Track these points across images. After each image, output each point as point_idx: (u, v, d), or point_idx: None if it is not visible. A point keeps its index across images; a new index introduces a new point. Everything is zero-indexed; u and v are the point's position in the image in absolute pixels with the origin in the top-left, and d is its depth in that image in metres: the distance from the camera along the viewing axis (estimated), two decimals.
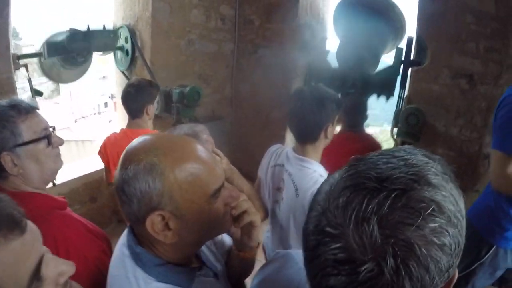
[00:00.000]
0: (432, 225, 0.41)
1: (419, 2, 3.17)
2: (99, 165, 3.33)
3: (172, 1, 3.32)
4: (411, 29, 3.33)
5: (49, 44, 2.91)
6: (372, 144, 2.48)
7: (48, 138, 1.09)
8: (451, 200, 0.45)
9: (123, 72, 3.54)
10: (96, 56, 3.39)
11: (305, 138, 1.55)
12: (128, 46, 3.34)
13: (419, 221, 0.41)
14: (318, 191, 0.52)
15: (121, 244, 0.86)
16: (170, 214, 0.73)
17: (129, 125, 2.24)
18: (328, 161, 1.65)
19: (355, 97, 2.49)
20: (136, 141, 0.77)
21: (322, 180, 0.75)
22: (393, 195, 0.42)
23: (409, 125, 2.70)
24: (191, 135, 1.30)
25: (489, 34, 2.94)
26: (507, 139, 1.50)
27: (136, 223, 0.76)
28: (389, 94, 3.29)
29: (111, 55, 3.58)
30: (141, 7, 3.26)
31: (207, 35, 3.79)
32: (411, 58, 3.18)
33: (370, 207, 0.42)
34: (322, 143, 1.56)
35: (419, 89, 3.23)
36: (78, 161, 4.14)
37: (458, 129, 3.23)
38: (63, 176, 2.99)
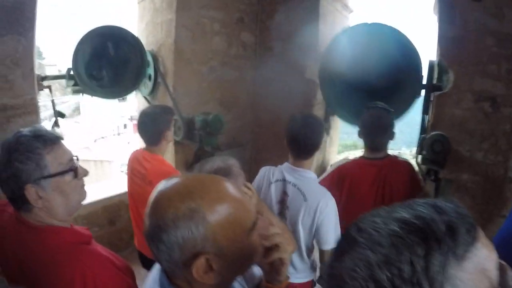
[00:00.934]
0: None
1: (439, 26, 3.17)
2: (118, 188, 3.38)
3: (194, 28, 3.40)
4: (431, 53, 3.30)
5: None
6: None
7: (75, 170, 1.08)
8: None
9: (145, 97, 3.61)
10: None
11: (304, 155, 1.84)
12: (151, 71, 3.41)
13: None
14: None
15: (152, 283, 0.85)
16: (214, 255, 0.73)
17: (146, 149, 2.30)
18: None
19: (378, 112, 2.13)
20: (164, 186, 0.76)
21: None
22: None
23: (434, 152, 2.65)
24: (224, 169, 1.31)
25: (510, 55, 2.92)
26: None
27: (177, 269, 0.75)
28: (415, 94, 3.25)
29: None
30: (164, 34, 3.34)
31: (229, 62, 3.85)
32: (433, 82, 3.16)
33: None
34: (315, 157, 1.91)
35: (442, 114, 3.20)
36: (97, 183, 4.19)
37: (482, 153, 3.18)
38: None
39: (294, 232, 1.76)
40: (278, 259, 0.88)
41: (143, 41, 3.57)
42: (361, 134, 2.17)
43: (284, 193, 1.84)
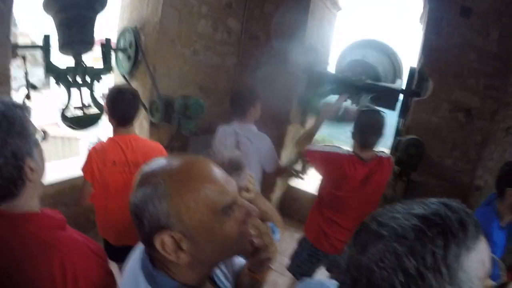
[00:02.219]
0: None
1: (424, 35, 3.25)
2: None
3: (182, 8, 3.29)
4: (413, 61, 3.39)
5: None
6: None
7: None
8: None
9: (123, 76, 3.48)
10: (92, 55, 3.29)
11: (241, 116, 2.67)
12: (132, 50, 3.27)
13: None
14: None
15: (133, 265, 0.83)
16: (181, 235, 0.73)
17: (119, 132, 2.12)
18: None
19: (375, 114, 2.27)
20: (148, 165, 0.79)
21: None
22: None
23: (409, 155, 2.72)
24: (236, 161, 1.36)
25: (490, 72, 3.05)
26: None
27: (149, 245, 0.77)
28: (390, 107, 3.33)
29: (112, 56, 3.48)
30: (149, 11, 3.20)
31: (212, 46, 3.77)
32: (412, 88, 3.23)
33: None
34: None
35: (418, 120, 3.30)
36: (64, 160, 4.00)
37: (452, 160, 3.31)
38: (49, 175, 2.92)
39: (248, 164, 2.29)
40: (266, 259, 0.92)
41: (127, 16, 3.44)
42: (355, 134, 2.25)
43: (237, 142, 2.62)
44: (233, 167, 1.33)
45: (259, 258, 0.91)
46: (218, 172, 0.79)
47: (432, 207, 0.56)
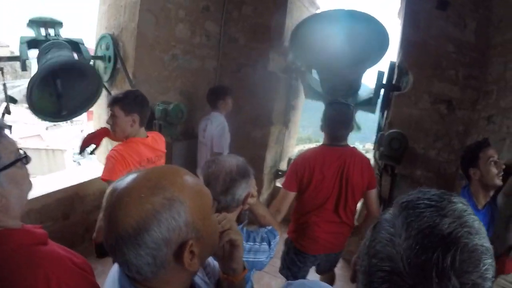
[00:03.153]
0: (486, 266, 0.51)
1: (402, 30, 3.27)
2: (72, 179, 3.20)
3: (159, 13, 3.25)
4: (392, 55, 3.42)
5: None
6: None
7: (26, 157, 0.98)
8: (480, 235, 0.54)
9: (103, 84, 3.42)
10: None
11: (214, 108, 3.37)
12: (110, 57, 3.23)
13: (482, 267, 0.50)
14: (375, 242, 0.59)
15: (112, 284, 0.81)
16: (195, 239, 0.72)
17: (138, 133, 2.16)
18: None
19: (341, 107, 2.22)
20: (123, 186, 0.70)
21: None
22: (459, 249, 0.50)
23: (392, 149, 2.73)
24: (243, 167, 1.35)
25: (468, 62, 3.09)
26: None
27: (160, 270, 0.70)
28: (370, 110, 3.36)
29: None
30: (127, 17, 3.15)
31: (191, 50, 3.73)
32: (393, 82, 3.25)
33: (446, 264, 0.49)
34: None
35: (400, 113, 3.32)
36: (50, 174, 3.93)
37: (436, 151, 3.34)
38: (34, 189, 2.83)
39: (208, 146, 3.26)
40: (228, 241, 0.90)
41: (105, 23, 3.40)
42: (324, 127, 2.23)
43: (205, 125, 3.31)
44: (241, 174, 1.32)
45: (221, 243, 0.89)
46: (189, 173, 0.80)
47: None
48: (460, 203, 0.58)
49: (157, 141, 2.28)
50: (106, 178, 1.98)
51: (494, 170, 1.84)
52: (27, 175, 1.01)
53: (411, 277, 0.51)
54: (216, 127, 3.23)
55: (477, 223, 0.56)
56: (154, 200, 0.66)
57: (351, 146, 2.27)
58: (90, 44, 3.24)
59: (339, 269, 2.97)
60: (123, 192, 0.69)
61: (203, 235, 0.74)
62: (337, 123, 2.19)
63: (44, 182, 3.11)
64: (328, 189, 2.20)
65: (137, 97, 2.13)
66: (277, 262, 2.59)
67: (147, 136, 2.21)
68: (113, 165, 1.98)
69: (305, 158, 2.23)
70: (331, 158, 2.18)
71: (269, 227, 1.58)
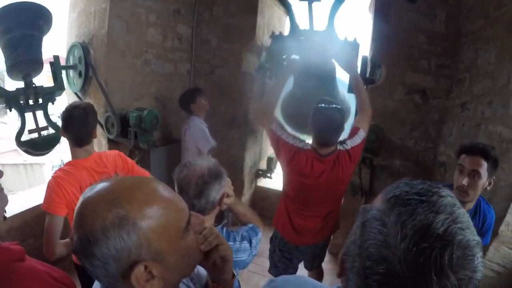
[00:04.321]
0: (478, 259, 0.53)
1: (373, 24, 3.31)
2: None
3: (129, 19, 3.19)
4: (365, 49, 3.47)
5: None
6: None
7: None
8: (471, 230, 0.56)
9: (76, 94, 3.36)
10: (45, 74, 3.15)
11: (188, 112, 3.42)
12: (82, 65, 3.15)
13: (475, 261, 0.52)
14: (367, 243, 0.57)
15: None
16: (152, 261, 0.68)
17: (78, 155, 1.92)
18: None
19: (331, 112, 2.12)
20: (88, 195, 0.69)
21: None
22: (454, 247, 0.51)
23: (369, 141, 2.75)
24: (215, 169, 1.34)
25: (440, 52, 3.15)
26: None
27: (117, 283, 0.69)
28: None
29: (64, 75, 3.35)
30: (96, 24, 3.08)
31: (164, 55, 3.68)
32: (366, 76, 3.28)
33: (444, 263, 0.50)
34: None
35: (376, 105, 3.34)
36: (29, 189, 3.82)
37: (413, 141, 3.40)
38: (14, 205, 2.73)
39: (190, 148, 3.34)
40: (219, 258, 0.89)
41: (75, 31, 3.32)
42: (311, 131, 2.17)
43: (185, 130, 3.38)
44: (213, 176, 1.32)
45: (212, 260, 0.90)
46: (166, 188, 0.76)
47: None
48: (449, 197, 0.59)
49: (103, 160, 1.98)
50: (44, 210, 1.85)
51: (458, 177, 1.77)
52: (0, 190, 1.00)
53: (410, 279, 0.51)
54: (193, 131, 3.28)
55: (466, 216, 0.57)
56: (106, 215, 0.65)
57: (339, 149, 2.20)
58: (61, 53, 3.15)
59: (327, 264, 2.99)
60: (85, 202, 0.68)
61: (167, 258, 0.70)
62: (326, 130, 2.11)
63: (24, 198, 3.01)
64: (313, 193, 2.24)
65: (71, 117, 1.87)
66: (265, 262, 2.60)
67: (90, 155, 1.96)
68: (50, 196, 1.82)
69: (299, 152, 2.20)
70: (316, 170, 2.15)
71: (250, 225, 1.57)
